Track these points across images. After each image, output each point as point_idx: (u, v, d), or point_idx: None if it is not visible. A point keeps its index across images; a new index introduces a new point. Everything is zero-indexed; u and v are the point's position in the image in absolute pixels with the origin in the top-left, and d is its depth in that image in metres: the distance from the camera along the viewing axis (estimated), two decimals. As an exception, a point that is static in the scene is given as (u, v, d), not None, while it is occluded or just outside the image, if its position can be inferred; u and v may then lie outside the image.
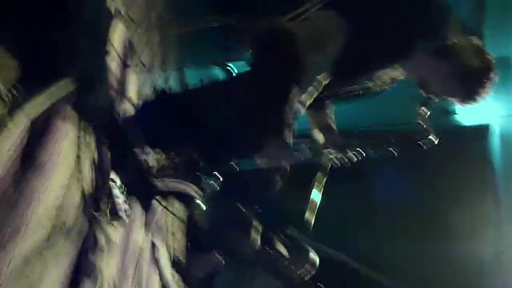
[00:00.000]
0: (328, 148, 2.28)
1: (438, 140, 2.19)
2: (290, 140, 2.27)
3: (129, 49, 2.49)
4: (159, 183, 2.22)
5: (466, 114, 6.38)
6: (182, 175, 2.22)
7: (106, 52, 2.04)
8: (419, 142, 2.22)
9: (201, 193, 2.16)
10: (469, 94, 2.19)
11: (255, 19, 2.39)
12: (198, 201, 2.25)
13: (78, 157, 1.77)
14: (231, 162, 2.22)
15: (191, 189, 2.20)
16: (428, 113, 2.19)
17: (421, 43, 2.24)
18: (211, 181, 2.15)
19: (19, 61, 1.48)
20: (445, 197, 6.54)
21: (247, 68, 2.53)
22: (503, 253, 5.97)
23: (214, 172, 2.17)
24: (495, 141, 6.70)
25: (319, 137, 2.52)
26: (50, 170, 1.55)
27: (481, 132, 6.87)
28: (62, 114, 1.67)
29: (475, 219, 6.29)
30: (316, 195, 2.45)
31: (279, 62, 2.27)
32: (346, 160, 2.29)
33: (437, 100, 2.25)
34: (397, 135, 2.27)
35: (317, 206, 2.45)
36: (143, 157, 2.44)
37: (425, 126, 2.19)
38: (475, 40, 2.22)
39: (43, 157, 1.53)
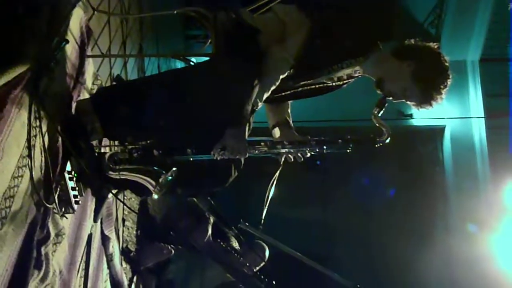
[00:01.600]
0: (284, 143, 2.29)
1: (389, 139, 2.23)
2: (246, 132, 2.28)
3: (87, 33, 2.44)
4: (113, 173, 2.19)
5: (421, 116, 6.51)
6: (138, 167, 2.19)
7: (63, 36, 1.99)
8: (372, 141, 2.26)
9: (154, 183, 2.13)
10: (425, 98, 2.23)
11: (218, 9, 2.37)
12: (151, 191, 2.22)
13: (28, 142, 1.72)
14: (187, 151, 2.20)
15: (145, 180, 2.17)
16: (382, 112, 2.23)
17: (380, 43, 2.27)
18: (168, 176, 2.12)
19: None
20: (398, 195, 6.70)
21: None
22: (451, 249, 6.14)
23: (173, 169, 2.15)
24: (447, 143, 6.88)
25: (276, 131, 2.53)
26: (-2, 153, 1.51)
27: (434, 134, 7.06)
28: (13, 96, 1.62)
29: (426, 217, 6.47)
30: (269, 189, 2.46)
31: (241, 54, 2.27)
32: (300, 155, 2.31)
33: (393, 100, 2.29)
34: (351, 133, 2.30)
35: (269, 200, 2.46)
36: (96, 145, 2.39)
37: (377, 125, 2.23)
38: (432, 44, 2.27)
39: (-9, 140, 1.49)
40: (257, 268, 4.24)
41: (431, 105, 2.24)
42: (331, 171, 7.05)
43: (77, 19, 2.32)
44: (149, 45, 4.71)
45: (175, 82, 2.32)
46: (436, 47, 2.27)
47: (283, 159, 2.35)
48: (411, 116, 6.62)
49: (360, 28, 2.27)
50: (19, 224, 1.69)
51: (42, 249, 1.85)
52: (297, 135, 2.47)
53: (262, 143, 2.27)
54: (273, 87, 2.23)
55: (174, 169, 2.16)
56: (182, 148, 2.21)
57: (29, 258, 1.74)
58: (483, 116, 6.52)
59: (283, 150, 2.29)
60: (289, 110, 2.60)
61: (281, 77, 2.23)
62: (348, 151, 2.28)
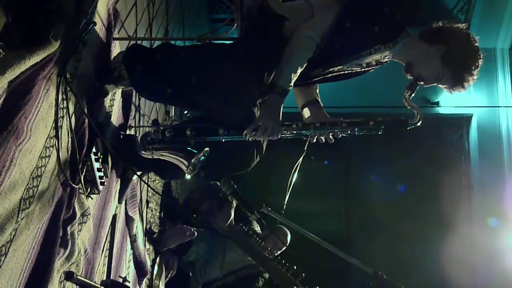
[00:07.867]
0: (316, 125, 2.26)
1: (421, 121, 2.20)
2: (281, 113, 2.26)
3: (114, 16, 2.45)
4: (145, 153, 2.19)
5: (447, 104, 6.41)
6: (170, 146, 2.19)
7: (90, 18, 2.00)
8: (404, 123, 2.23)
9: (187, 163, 2.12)
10: (457, 81, 2.20)
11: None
12: (176, 173, 2.23)
13: (56, 122, 1.75)
14: (219, 131, 2.19)
15: (177, 160, 2.17)
16: (412, 95, 2.21)
17: (408, 28, 2.25)
18: (201, 156, 2.12)
19: (2, 19, 1.45)
20: (422, 183, 6.63)
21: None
22: (473, 239, 6.08)
23: (205, 149, 2.14)
24: (473, 132, 6.77)
25: (305, 111, 2.51)
26: (26, 133, 1.53)
27: (461, 122, 6.95)
28: (41, 77, 1.64)
29: (449, 206, 6.40)
30: (292, 174, 2.45)
31: (264, 41, 2.26)
32: (331, 137, 2.28)
33: (424, 85, 2.27)
34: (383, 116, 2.28)
35: (292, 185, 2.45)
36: (125, 126, 2.41)
37: (409, 108, 2.21)
38: (461, 25, 2.24)
39: (20, 119, 1.51)
40: (279, 252, 4.26)
41: (463, 87, 2.22)
42: (353, 158, 7.01)
43: (104, 1, 2.33)
44: (175, 28, 4.71)
45: (204, 62, 2.31)
46: (464, 28, 2.23)
47: (315, 139, 2.31)
48: (437, 104, 6.51)
49: (388, 14, 2.24)
50: (46, 203, 1.72)
51: (68, 228, 1.88)
52: (328, 116, 2.45)
53: (294, 125, 2.25)
54: (300, 69, 2.20)
55: (206, 149, 2.15)
56: (214, 128, 2.20)
57: (55, 237, 1.78)
58: (511, 105, 6.39)
59: (315, 132, 2.26)
60: (317, 90, 2.58)
61: (308, 56, 2.20)
62: (380, 133, 2.26)
